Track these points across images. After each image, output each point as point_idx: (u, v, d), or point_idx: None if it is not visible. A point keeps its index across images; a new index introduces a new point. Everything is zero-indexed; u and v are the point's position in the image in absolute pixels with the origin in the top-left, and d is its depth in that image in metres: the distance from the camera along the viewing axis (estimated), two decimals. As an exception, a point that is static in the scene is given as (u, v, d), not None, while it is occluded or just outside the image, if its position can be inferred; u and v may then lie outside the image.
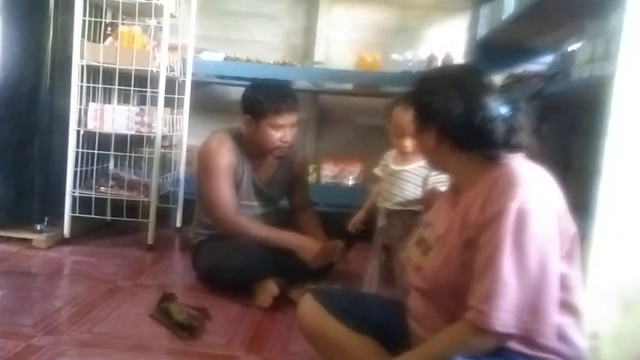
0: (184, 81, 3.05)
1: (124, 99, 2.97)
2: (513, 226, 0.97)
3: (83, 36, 2.62)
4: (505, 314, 0.95)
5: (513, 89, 2.32)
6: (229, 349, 1.69)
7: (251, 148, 2.24)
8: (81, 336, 1.68)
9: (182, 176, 3.10)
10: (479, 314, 0.97)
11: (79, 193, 2.69)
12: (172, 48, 2.86)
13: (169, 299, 1.91)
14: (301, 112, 2.26)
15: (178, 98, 3.00)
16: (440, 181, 1.70)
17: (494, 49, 2.86)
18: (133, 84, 2.68)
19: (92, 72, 2.69)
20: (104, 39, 2.75)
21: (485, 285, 0.98)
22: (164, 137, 2.81)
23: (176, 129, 3.01)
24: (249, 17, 3.47)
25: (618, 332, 1.34)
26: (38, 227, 2.62)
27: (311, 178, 3.15)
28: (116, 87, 2.71)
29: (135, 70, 2.63)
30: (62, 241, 2.67)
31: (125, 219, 2.72)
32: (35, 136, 2.62)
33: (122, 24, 2.74)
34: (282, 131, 2.16)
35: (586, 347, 1.11)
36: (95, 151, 2.73)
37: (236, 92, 3.42)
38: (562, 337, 1.01)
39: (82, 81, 2.65)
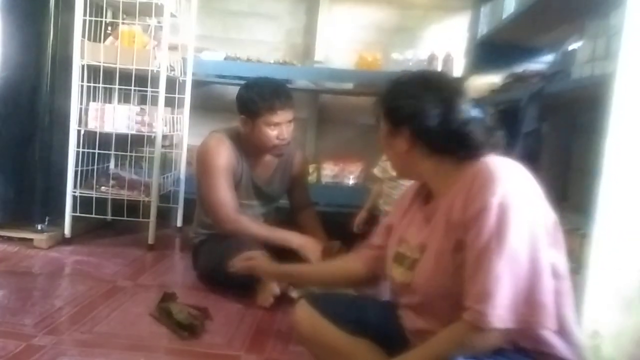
0: (184, 81, 3.05)
1: (125, 98, 2.97)
2: (496, 222, 0.97)
3: (83, 36, 2.62)
4: (501, 310, 0.94)
5: (513, 88, 2.32)
6: (229, 348, 1.69)
7: (249, 147, 2.24)
8: (82, 336, 1.68)
9: (182, 176, 3.10)
10: (476, 313, 0.96)
11: (80, 193, 2.69)
12: (173, 48, 2.86)
13: (170, 299, 1.91)
14: (296, 108, 2.25)
15: (178, 98, 3.00)
16: None
17: (495, 48, 2.86)
18: (133, 84, 2.68)
19: (92, 72, 2.69)
20: (105, 39, 2.75)
21: (478, 284, 0.97)
22: (164, 137, 2.82)
23: (177, 128, 3.01)
24: (250, 17, 3.47)
25: (618, 331, 1.34)
26: (39, 227, 2.62)
27: (311, 178, 3.16)
28: (117, 86, 2.71)
29: (136, 69, 2.63)
30: (63, 241, 2.67)
31: (125, 218, 2.72)
32: (36, 136, 2.62)
33: (123, 23, 2.74)
34: (278, 129, 2.16)
35: (587, 346, 1.11)
36: (96, 151, 2.74)
37: (236, 92, 3.43)
38: (560, 326, 1.00)
39: (82, 81, 2.65)
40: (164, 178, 2.92)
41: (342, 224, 2.34)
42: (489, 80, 2.65)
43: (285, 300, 2.03)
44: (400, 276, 1.19)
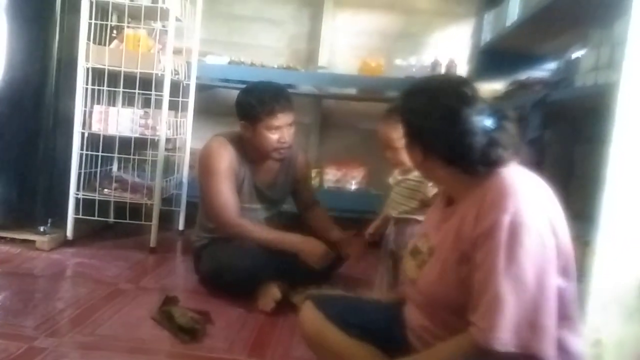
0: (188, 84, 3.06)
1: (129, 101, 2.98)
2: (507, 241, 0.96)
3: (89, 39, 2.63)
4: (504, 333, 0.95)
5: (516, 95, 2.32)
6: (230, 352, 1.69)
7: (251, 152, 2.24)
8: (83, 338, 1.68)
9: (185, 179, 3.11)
10: (480, 331, 0.97)
11: (83, 195, 2.70)
12: (177, 51, 2.87)
13: (171, 302, 1.91)
14: (296, 111, 2.23)
15: (182, 101, 3.01)
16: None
17: (498, 55, 2.88)
18: (138, 87, 2.69)
19: (97, 75, 2.70)
20: (110, 42, 2.76)
21: (484, 302, 0.98)
22: (167, 140, 2.82)
23: (180, 132, 3.02)
24: (254, 22, 3.48)
25: (620, 339, 1.34)
26: (41, 229, 2.63)
27: (314, 182, 3.16)
28: (121, 89, 2.72)
29: (140, 73, 2.64)
30: (65, 243, 2.68)
31: (128, 221, 2.73)
32: (40, 138, 2.63)
33: (128, 27, 2.75)
34: (279, 132, 2.15)
35: (588, 355, 1.11)
36: (99, 153, 2.74)
37: (240, 96, 3.45)
38: (562, 349, 1.01)
39: (87, 83, 2.66)
40: (166, 181, 2.93)
41: (344, 229, 2.34)
42: (492, 87, 2.65)
43: (287, 305, 2.03)
44: (411, 271, 1.22)
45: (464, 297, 1.02)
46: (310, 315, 1.34)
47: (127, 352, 1.62)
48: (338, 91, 3.41)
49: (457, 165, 1.11)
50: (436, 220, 1.22)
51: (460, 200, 1.14)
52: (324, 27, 3.43)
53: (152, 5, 2.66)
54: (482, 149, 1.07)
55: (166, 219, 3.02)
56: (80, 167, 2.70)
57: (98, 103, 2.76)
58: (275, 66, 3.25)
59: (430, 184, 1.75)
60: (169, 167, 3.05)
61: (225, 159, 2.18)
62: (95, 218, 2.69)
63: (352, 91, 3.37)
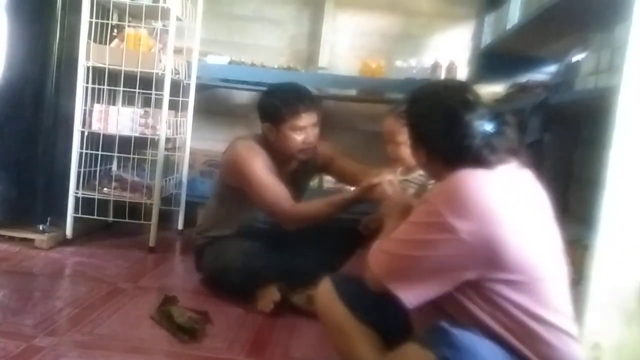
0: (188, 84, 3.06)
1: (129, 100, 2.98)
2: (413, 217, 1.16)
3: (89, 38, 2.63)
4: (379, 270, 1.18)
5: (517, 98, 2.33)
6: (229, 353, 1.69)
7: (275, 153, 2.18)
8: (82, 338, 1.68)
9: (184, 179, 3.11)
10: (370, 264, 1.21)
11: (82, 194, 2.70)
12: (178, 51, 2.87)
13: (171, 302, 1.91)
14: (320, 110, 2.18)
15: (182, 101, 3.01)
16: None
17: (498, 58, 2.88)
18: (138, 86, 2.69)
19: (97, 74, 2.70)
20: (110, 41, 2.76)
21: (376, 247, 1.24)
22: (167, 140, 2.82)
23: (180, 131, 3.02)
24: (254, 22, 3.48)
25: (619, 343, 1.35)
26: (40, 227, 2.62)
27: (314, 183, 3.16)
28: (121, 88, 2.72)
29: (141, 72, 2.64)
30: (64, 242, 2.68)
31: (127, 220, 2.73)
32: (40, 136, 2.62)
33: (129, 26, 2.75)
34: (304, 133, 2.12)
35: (587, 358, 1.11)
36: (99, 152, 2.74)
37: (240, 96, 3.45)
38: (533, 339, 1.07)
39: (87, 82, 2.66)
40: (166, 181, 2.93)
41: (344, 230, 2.33)
42: (492, 89, 2.66)
43: (286, 306, 2.03)
44: None
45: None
46: (325, 292, 1.41)
47: (126, 351, 1.62)
48: (338, 92, 3.41)
49: (459, 167, 1.14)
50: None
51: None
52: (325, 27, 3.43)
53: (153, 4, 2.66)
54: (481, 152, 1.13)
55: (165, 218, 3.02)
56: (79, 166, 2.70)
57: (98, 102, 2.76)
58: (276, 66, 3.25)
59: (430, 185, 1.76)
60: (169, 166, 3.05)
61: (260, 157, 2.13)
62: (95, 217, 2.69)
63: (352, 92, 3.37)
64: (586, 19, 1.96)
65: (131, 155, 2.79)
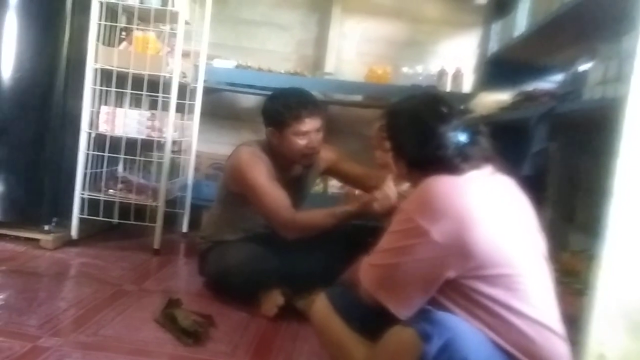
0: (195, 87, 3.08)
1: (136, 103, 2.99)
2: (392, 225, 1.20)
3: (98, 40, 2.65)
4: (367, 282, 1.23)
5: (523, 106, 2.33)
6: (233, 357, 1.69)
7: (279, 159, 2.20)
8: (86, 339, 1.69)
9: (190, 182, 3.12)
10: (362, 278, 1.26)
11: (88, 195, 2.71)
12: (185, 54, 2.89)
13: (175, 305, 1.91)
14: (324, 115, 2.20)
15: (189, 104, 3.02)
16: None
17: (505, 66, 2.87)
18: (145, 89, 2.70)
19: (105, 76, 2.71)
20: (119, 44, 2.77)
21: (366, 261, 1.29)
22: (173, 142, 2.83)
23: (186, 134, 3.03)
24: (262, 26, 3.50)
25: (624, 354, 1.34)
26: (46, 228, 2.63)
27: (318, 188, 3.16)
28: (129, 91, 2.74)
29: (148, 75, 2.65)
30: (69, 242, 2.69)
31: (132, 222, 2.74)
32: (47, 137, 2.64)
33: (137, 29, 2.77)
34: (307, 138, 2.13)
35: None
36: (106, 154, 2.75)
37: (246, 100, 3.47)
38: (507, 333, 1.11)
39: (95, 84, 2.68)
40: (171, 183, 2.94)
41: (348, 235, 2.34)
42: (499, 97, 2.66)
43: (290, 311, 2.04)
44: None
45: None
46: (320, 306, 1.42)
47: (130, 353, 1.63)
48: (344, 98, 3.42)
49: (435, 175, 1.21)
50: None
51: None
52: (332, 33, 3.45)
53: (162, 8, 2.68)
54: (454, 161, 1.19)
55: (170, 221, 3.03)
56: (86, 167, 2.71)
57: (105, 104, 2.77)
58: (282, 71, 3.26)
59: None
60: (174, 169, 3.06)
61: (263, 164, 2.15)
62: (100, 218, 2.70)
63: (358, 98, 3.38)
64: (594, 28, 1.96)
65: (137, 158, 2.80)
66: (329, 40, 3.44)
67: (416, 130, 1.25)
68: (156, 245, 2.73)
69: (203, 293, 2.24)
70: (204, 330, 1.78)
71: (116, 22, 2.77)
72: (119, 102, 2.92)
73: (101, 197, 2.72)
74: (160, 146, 2.79)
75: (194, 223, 3.09)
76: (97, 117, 2.72)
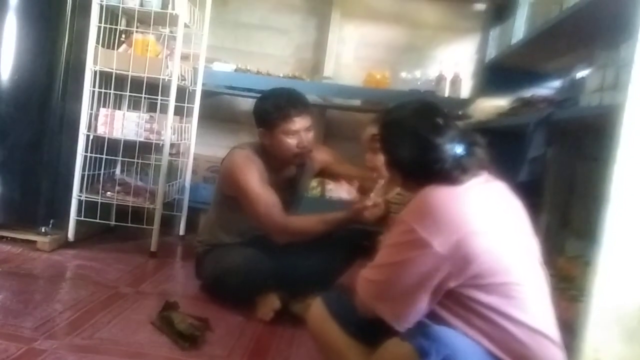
0: (194, 90, 3.08)
1: (134, 105, 2.99)
2: (389, 237, 1.22)
3: (97, 42, 2.65)
4: (364, 294, 1.24)
5: (521, 112, 2.34)
6: (229, 360, 1.69)
7: (272, 160, 2.21)
8: (82, 342, 1.68)
9: (187, 184, 3.12)
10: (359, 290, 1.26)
11: (85, 197, 2.71)
12: (184, 57, 2.90)
13: (171, 308, 1.91)
14: (313, 114, 2.21)
15: (187, 107, 3.02)
16: None
17: (503, 72, 2.89)
18: (144, 91, 2.70)
19: (104, 78, 2.72)
20: (118, 46, 2.78)
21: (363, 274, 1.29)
22: (171, 145, 2.83)
23: (184, 137, 3.03)
24: (261, 30, 3.50)
25: (620, 360, 1.34)
26: (43, 230, 2.63)
27: (315, 192, 3.16)
28: (127, 93, 2.74)
29: (147, 77, 2.66)
30: (66, 244, 2.68)
31: (129, 224, 2.73)
32: (45, 139, 2.63)
33: (137, 31, 2.77)
34: (297, 137, 2.14)
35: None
36: (104, 156, 2.75)
37: (245, 104, 3.46)
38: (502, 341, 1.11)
39: (94, 86, 2.68)
40: (169, 186, 2.94)
41: (345, 239, 2.34)
42: (497, 103, 2.67)
43: (286, 315, 2.03)
44: None
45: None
46: (316, 310, 1.42)
47: (126, 356, 1.63)
48: (343, 102, 3.42)
49: (433, 184, 1.21)
50: None
51: None
52: (331, 37, 3.45)
53: (162, 11, 2.68)
54: (452, 172, 1.19)
55: (167, 223, 3.03)
56: (83, 169, 2.71)
57: (104, 106, 2.77)
58: (281, 75, 3.26)
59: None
60: (172, 172, 3.06)
61: (255, 168, 2.15)
62: (97, 220, 2.70)
63: (356, 102, 3.38)
64: (592, 35, 1.97)
65: (135, 160, 2.80)
66: (327, 45, 3.45)
67: (412, 144, 1.24)
68: (153, 248, 2.72)
69: (200, 296, 2.24)
70: (201, 334, 1.78)
71: (116, 25, 2.78)
72: (118, 105, 2.92)
73: (98, 199, 2.72)
74: (159, 149, 2.79)
75: (191, 226, 3.09)
76: (96, 119, 2.72)
